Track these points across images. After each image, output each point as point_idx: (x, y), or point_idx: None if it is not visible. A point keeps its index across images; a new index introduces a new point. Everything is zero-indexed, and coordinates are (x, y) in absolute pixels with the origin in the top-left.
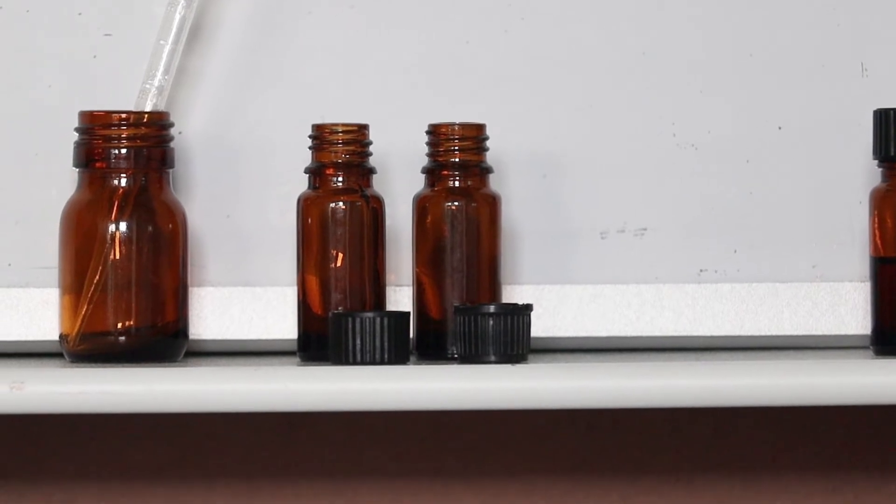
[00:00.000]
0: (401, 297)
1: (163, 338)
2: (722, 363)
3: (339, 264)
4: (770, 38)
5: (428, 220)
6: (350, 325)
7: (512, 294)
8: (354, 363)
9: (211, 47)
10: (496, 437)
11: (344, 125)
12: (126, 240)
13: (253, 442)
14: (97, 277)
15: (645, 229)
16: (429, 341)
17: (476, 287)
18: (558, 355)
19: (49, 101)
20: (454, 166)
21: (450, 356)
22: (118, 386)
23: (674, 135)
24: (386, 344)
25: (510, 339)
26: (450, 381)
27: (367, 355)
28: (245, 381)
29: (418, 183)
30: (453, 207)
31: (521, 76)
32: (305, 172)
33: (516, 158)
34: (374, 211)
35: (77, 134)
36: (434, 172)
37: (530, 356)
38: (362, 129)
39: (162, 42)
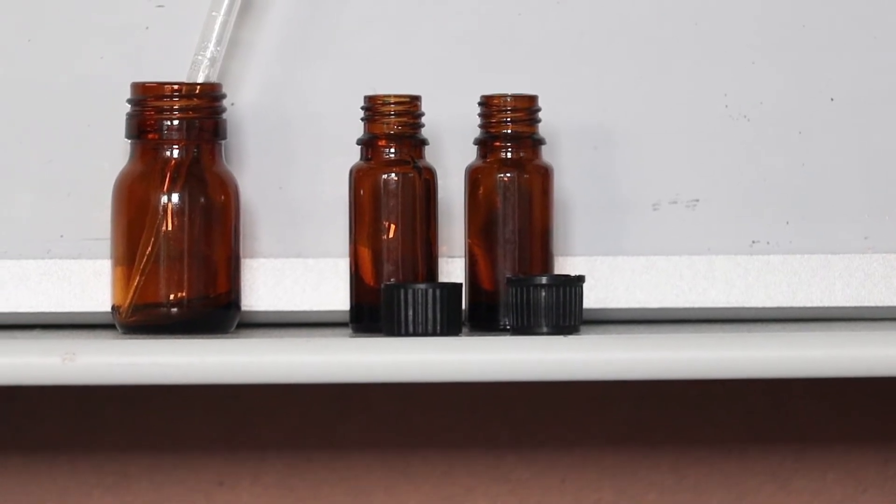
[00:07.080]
0: (453, 269)
1: (215, 309)
2: (774, 334)
3: (391, 236)
4: (823, 9)
5: (480, 192)
6: (402, 297)
7: (564, 265)
8: (407, 335)
9: (263, 18)
10: (548, 409)
11: (396, 97)
12: (178, 211)
13: (305, 413)
14: (149, 249)
15: (697, 200)
16: (481, 313)
17: (528, 258)
18: (610, 327)
19: (101, 72)
20: (506, 138)
21: (502, 328)
22: (170, 357)
23: (726, 106)
24: (438, 315)
25: (562, 310)
26: (502, 352)
27: (420, 327)
28: (297, 353)
29: (470, 154)
30: (505, 179)
31: (573, 47)
32: (358, 144)
33: (568, 130)
34: (427, 182)
35: (129, 105)
36: (486, 144)
37: (583, 327)
38: (414, 100)
39: (214, 13)
